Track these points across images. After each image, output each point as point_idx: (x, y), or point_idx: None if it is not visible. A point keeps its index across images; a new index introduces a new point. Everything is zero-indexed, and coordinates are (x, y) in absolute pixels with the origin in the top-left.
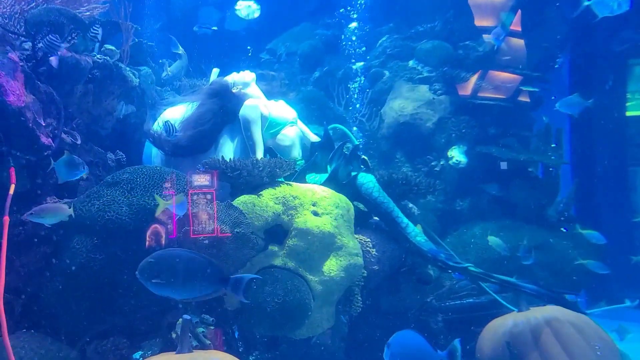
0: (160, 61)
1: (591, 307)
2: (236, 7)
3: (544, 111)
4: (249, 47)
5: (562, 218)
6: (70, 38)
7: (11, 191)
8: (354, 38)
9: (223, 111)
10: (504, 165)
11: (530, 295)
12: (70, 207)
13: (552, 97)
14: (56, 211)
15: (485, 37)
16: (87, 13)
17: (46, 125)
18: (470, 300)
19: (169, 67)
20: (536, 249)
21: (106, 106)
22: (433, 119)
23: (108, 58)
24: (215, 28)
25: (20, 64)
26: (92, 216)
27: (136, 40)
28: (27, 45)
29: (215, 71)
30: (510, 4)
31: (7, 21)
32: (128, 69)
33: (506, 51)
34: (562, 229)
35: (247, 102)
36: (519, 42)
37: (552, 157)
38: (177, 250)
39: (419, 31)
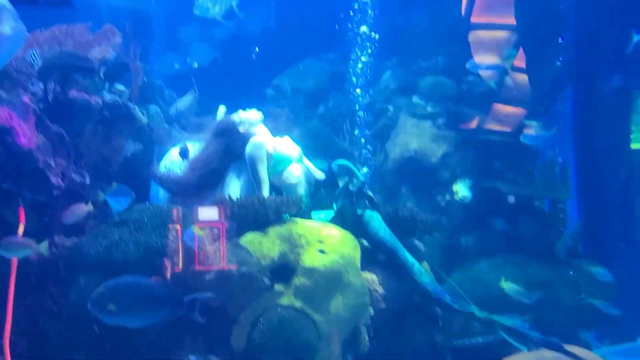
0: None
1: (601, 345)
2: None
3: (548, 145)
4: (257, 49)
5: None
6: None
7: (20, 231)
8: (358, 70)
9: (230, 150)
10: (511, 199)
11: (535, 344)
12: (40, 244)
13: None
14: (20, 246)
15: (483, 73)
16: (99, 56)
17: (56, 165)
18: (479, 339)
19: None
20: (544, 285)
21: (115, 145)
22: (437, 154)
23: (118, 98)
24: (196, 65)
25: (32, 106)
26: (99, 255)
27: (145, 79)
28: (40, 87)
29: (221, 109)
30: (512, 40)
31: (20, 64)
32: (137, 108)
33: (510, 86)
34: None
35: (252, 140)
36: (523, 77)
37: (559, 192)
38: (128, 278)
39: (422, 66)
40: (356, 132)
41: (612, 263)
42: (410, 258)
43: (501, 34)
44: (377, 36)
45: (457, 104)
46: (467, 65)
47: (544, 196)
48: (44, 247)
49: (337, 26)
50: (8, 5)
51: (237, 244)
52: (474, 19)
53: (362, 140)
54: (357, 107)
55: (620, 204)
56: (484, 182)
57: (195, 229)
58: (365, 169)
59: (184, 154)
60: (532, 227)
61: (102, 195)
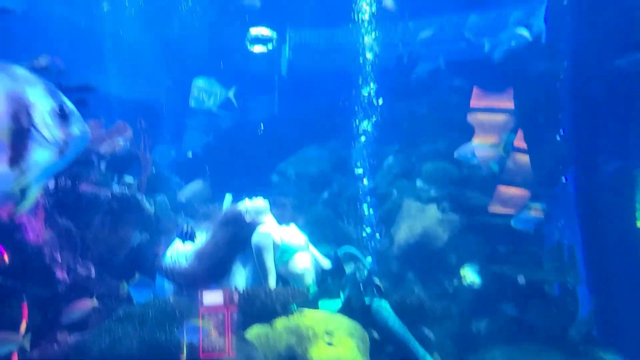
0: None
1: None
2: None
3: (554, 227)
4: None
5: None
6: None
7: (22, 329)
8: (361, 156)
9: (236, 239)
10: (521, 279)
11: None
12: (22, 337)
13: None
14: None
15: (481, 158)
16: (109, 149)
17: (62, 259)
18: None
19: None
20: None
21: (121, 235)
22: (443, 238)
23: (126, 189)
24: (190, 154)
25: (42, 201)
26: (102, 352)
27: (154, 170)
28: (51, 182)
29: (228, 198)
30: (510, 123)
31: None
32: (144, 198)
33: (511, 169)
34: None
35: (259, 230)
36: (524, 159)
37: (568, 275)
38: None
39: (424, 151)
40: (361, 216)
41: (628, 349)
42: (420, 350)
43: (500, 118)
44: (379, 105)
45: (461, 188)
46: (455, 155)
47: (553, 280)
48: (26, 340)
49: (340, 103)
50: (74, 108)
51: (243, 337)
52: (473, 104)
53: (366, 225)
54: (361, 192)
55: (631, 285)
56: (492, 266)
57: (200, 321)
58: (369, 253)
59: (188, 236)
60: (543, 312)
61: (125, 286)
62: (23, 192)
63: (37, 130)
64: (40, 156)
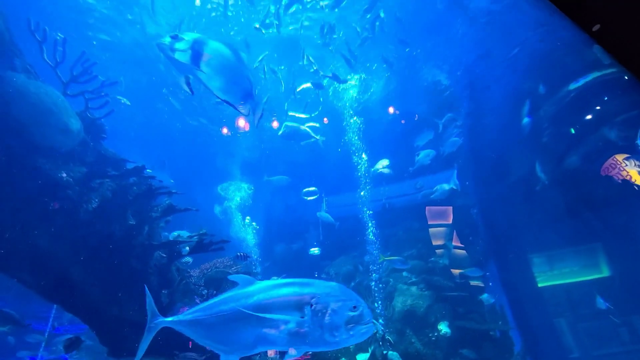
0: None
1: None
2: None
3: (491, 293)
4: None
5: None
6: None
7: None
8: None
9: None
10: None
11: None
12: None
13: None
14: None
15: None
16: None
17: None
18: None
19: None
20: None
21: None
22: (423, 306)
23: None
24: None
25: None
26: None
27: None
28: (205, 291)
29: None
30: (448, 232)
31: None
32: None
33: (455, 259)
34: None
35: None
36: (462, 252)
37: (502, 325)
38: None
39: (407, 255)
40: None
41: None
42: None
43: (444, 230)
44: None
45: (429, 275)
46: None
47: (495, 328)
48: None
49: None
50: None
51: None
52: (429, 222)
53: (376, 301)
54: (373, 283)
55: (543, 327)
56: (456, 322)
57: None
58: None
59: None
60: (491, 352)
61: None
62: None
63: None
64: None
